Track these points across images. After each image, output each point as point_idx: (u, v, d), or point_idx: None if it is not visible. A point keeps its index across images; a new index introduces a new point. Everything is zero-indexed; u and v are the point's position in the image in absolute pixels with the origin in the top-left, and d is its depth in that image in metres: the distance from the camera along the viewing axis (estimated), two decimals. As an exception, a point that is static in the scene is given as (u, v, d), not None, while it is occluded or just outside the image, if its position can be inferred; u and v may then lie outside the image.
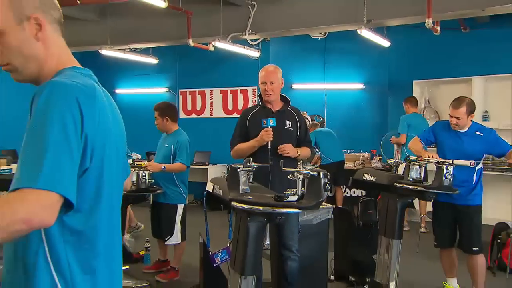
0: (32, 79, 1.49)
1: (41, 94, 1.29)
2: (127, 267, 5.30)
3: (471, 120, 4.35)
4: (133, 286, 4.91)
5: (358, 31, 6.71)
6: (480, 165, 4.27)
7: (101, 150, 1.39)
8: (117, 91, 10.87)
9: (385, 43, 7.89)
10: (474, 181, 4.23)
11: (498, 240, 5.42)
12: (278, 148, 3.83)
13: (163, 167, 4.88)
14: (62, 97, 1.30)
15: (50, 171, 1.21)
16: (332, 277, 4.90)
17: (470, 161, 3.94)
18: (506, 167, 7.58)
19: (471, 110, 4.25)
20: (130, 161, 5.36)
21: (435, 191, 4.22)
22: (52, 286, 1.32)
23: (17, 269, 1.35)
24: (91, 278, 1.40)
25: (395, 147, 7.69)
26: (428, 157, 4.19)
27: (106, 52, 8.65)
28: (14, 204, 1.18)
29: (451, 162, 4.01)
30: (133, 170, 4.85)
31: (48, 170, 1.21)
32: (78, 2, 6.95)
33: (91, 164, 1.35)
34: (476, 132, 4.28)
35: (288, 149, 3.84)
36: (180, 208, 5.10)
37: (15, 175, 1.23)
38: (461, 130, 4.31)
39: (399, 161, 4.58)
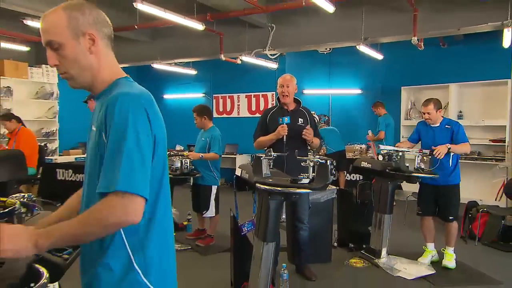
0: (86, 86, 1.43)
1: (115, 105, 1.26)
2: (173, 234, 5.49)
3: (442, 116, 4.45)
4: (178, 249, 4.91)
5: (357, 46, 6.77)
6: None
7: (163, 144, 1.37)
8: (165, 96, 10.96)
9: (379, 56, 7.87)
10: (450, 165, 4.26)
11: (469, 215, 5.45)
12: (303, 132, 3.84)
13: (201, 156, 4.90)
14: (132, 106, 1.26)
15: (137, 177, 1.20)
16: (335, 244, 4.93)
17: (429, 150, 4.17)
18: (476, 156, 7.61)
19: (438, 107, 4.35)
20: (174, 151, 5.48)
21: (419, 175, 4.30)
22: (128, 259, 1.29)
23: (93, 246, 1.31)
24: (156, 248, 1.35)
25: (371, 143, 7.76)
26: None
27: (156, 66, 8.78)
28: (107, 210, 1.19)
29: (418, 151, 4.27)
30: (177, 158, 4.95)
31: (136, 176, 1.20)
32: (136, 27, 7.07)
33: (157, 157, 1.33)
34: (446, 126, 4.35)
35: (310, 133, 3.87)
36: (214, 188, 5.08)
37: (102, 179, 1.22)
38: (434, 125, 4.38)
39: (391, 151, 4.60)
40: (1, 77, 8.28)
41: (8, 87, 8.26)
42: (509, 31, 5.61)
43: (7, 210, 1.31)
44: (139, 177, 1.20)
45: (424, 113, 4.40)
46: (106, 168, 1.21)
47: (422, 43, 6.46)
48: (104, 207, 1.19)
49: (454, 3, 5.98)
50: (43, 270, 1.36)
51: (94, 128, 1.36)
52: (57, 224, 1.25)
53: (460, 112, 8.02)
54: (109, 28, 1.42)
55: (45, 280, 1.33)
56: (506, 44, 5.88)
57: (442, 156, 4.08)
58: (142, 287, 1.30)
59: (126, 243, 1.29)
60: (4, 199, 1.41)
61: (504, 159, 7.04)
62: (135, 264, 1.29)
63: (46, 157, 6.85)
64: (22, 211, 1.38)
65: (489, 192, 7.23)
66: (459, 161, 4.42)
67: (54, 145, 8.72)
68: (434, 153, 4.10)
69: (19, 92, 8.45)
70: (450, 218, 4.33)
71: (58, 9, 1.34)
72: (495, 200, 6.89)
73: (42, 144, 7.33)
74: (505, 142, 7.12)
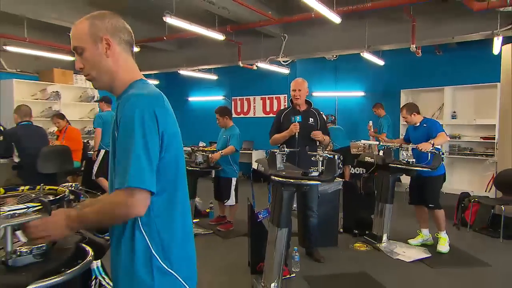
0: (107, 87, 1.40)
1: (125, 105, 1.25)
2: (197, 220, 5.41)
3: (424, 117, 4.54)
4: (202, 233, 5.03)
5: (361, 53, 6.73)
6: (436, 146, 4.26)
7: (174, 141, 1.32)
8: (190, 98, 11.01)
9: (380, 62, 7.79)
10: (429, 158, 4.25)
11: (462, 205, 5.38)
12: (312, 133, 3.85)
13: (221, 153, 4.91)
14: (140, 106, 1.23)
15: (142, 174, 1.18)
16: (341, 230, 4.91)
17: (414, 145, 4.29)
18: (468, 152, 7.54)
19: (411, 111, 4.44)
20: (197, 147, 5.50)
21: (417, 169, 4.29)
22: (146, 247, 1.27)
23: (117, 234, 1.32)
24: (173, 237, 1.33)
25: (370, 137, 7.77)
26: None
27: (182, 72, 8.85)
28: (116, 203, 1.21)
29: (406, 148, 4.36)
30: (200, 153, 4.97)
31: (141, 173, 1.18)
32: (165, 38, 7.13)
33: (167, 153, 1.28)
34: (424, 125, 4.42)
35: (318, 135, 3.88)
36: (233, 180, 5.11)
37: (116, 175, 1.22)
38: (415, 125, 4.48)
39: (391, 147, 4.61)
40: (51, 83, 8.46)
41: (57, 91, 8.44)
42: (499, 40, 5.60)
43: (58, 197, 1.33)
44: (145, 173, 1.19)
45: (402, 118, 4.54)
46: (118, 166, 1.22)
47: (420, 50, 6.39)
48: (113, 201, 1.22)
49: (448, 14, 5.92)
50: (88, 249, 1.40)
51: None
52: (84, 211, 1.27)
53: (454, 112, 7.92)
54: (128, 35, 1.39)
55: (90, 258, 1.36)
56: (495, 51, 5.83)
57: (427, 150, 4.12)
58: (161, 270, 1.28)
59: (143, 232, 1.27)
60: (56, 187, 1.44)
61: (494, 155, 7.03)
62: (152, 250, 1.27)
63: (88, 152, 6.96)
64: (71, 198, 1.41)
65: (479, 184, 7.18)
66: (444, 155, 4.49)
67: (93, 142, 8.86)
68: (419, 148, 4.14)
69: (66, 96, 8.63)
70: (430, 205, 4.35)
71: (83, 18, 1.36)
72: (485, 191, 6.85)
73: (85, 141, 7.45)
74: (494, 139, 7.09)
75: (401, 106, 4.53)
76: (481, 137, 7.52)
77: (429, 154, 4.21)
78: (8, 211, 1.13)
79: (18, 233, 1.21)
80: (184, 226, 1.37)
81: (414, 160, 4.32)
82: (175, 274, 1.31)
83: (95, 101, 7.60)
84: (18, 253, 1.19)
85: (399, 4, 5.56)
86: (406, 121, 4.49)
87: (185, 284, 1.34)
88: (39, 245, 1.23)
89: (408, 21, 6.10)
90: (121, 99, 1.33)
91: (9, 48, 7.25)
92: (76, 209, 1.33)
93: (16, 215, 1.15)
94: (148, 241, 1.27)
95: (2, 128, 6.21)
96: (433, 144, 4.09)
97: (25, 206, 1.18)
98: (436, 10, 6.00)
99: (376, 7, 5.56)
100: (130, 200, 1.17)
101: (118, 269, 1.32)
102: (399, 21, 6.28)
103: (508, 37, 5.60)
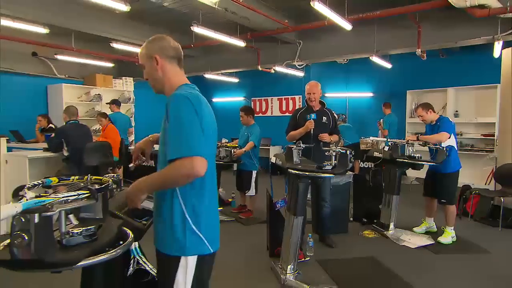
0: (161, 92, 1.61)
1: (172, 103, 1.42)
2: (221, 208, 5.40)
3: (440, 115, 4.30)
4: (225, 220, 5.03)
5: (370, 57, 6.62)
6: (449, 144, 4.07)
7: (211, 130, 1.48)
8: (214, 99, 11.02)
9: (388, 65, 7.67)
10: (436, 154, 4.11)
11: (464, 196, 5.27)
12: (319, 136, 3.81)
13: (244, 151, 4.92)
14: (183, 102, 1.41)
15: (193, 145, 1.35)
16: (351, 219, 4.86)
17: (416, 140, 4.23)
18: (470, 148, 7.35)
19: (427, 109, 4.22)
20: (220, 143, 5.53)
21: (422, 163, 4.20)
22: (181, 212, 1.44)
23: (160, 201, 1.48)
24: (202, 207, 1.47)
25: (380, 131, 7.88)
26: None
27: (207, 75, 8.92)
28: (178, 168, 1.34)
29: (411, 143, 4.28)
30: (223, 149, 4.97)
31: (192, 144, 1.35)
32: (192, 45, 7.19)
33: (205, 140, 1.42)
34: (437, 123, 4.20)
35: (325, 137, 3.83)
36: (254, 173, 5.11)
37: (168, 151, 1.35)
38: (431, 123, 4.26)
39: (397, 143, 4.52)
40: (94, 86, 8.66)
41: (99, 94, 8.63)
42: (499, 44, 5.44)
43: (103, 186, 1.37)
44: (195, 144, 1.35)
45: (418, 116, 4.33)
46: (172, 142, 1.36)
47: (425, 54, 6.26)
48: (179, 165, 1.34)
49: (452, 21, 5.77)
50: (129, 231, 1.44)
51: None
52: (151, 174, 1.44)
53: (456, 111, 7.71)
54: (172, 51, 1.59)
55: (131, 240, 1.40)
56: (496, 54, 5.68)
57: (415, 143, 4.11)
58: (192, 231, 1.44)
59: (180, 200, 1.44)
60: (100, 177, 1.49)
61: (493, 151, 6.85)
62: (186, 214, 1.44)
63: (129, 148, 7.10)
64: (113, 186, 1.46)
65: (480, 178, 6.98)
66: (456, 152, 4.20)
67: (131, 138, 9.02)
68: (408, 142, 4.14)
69: (106, 97, 8.77)
70: (442, 201, 4.17)
71: (145, 42, 1.61)
72: (485, 184, 6.67)
73: (122, 137, 7.59)
74: (494, 136, 6.91)
75: (415, 106, 4.34)
76: (481, 134, 7.32)
77: (434, 149, 4.11)
78: (62, 197, 1.17)
79: (71, 216, 1.26)
80: (211, 200, 1.52)
81: (420, 155, 4.22)
82: (202, 236, 1.46)
83: (107, 103, 7.86)
84: (71, 234, 1.23)
85: (406, 12, 5.45)
86: (422, 120, 4.25)
87: (209, 246, 1.49)
88: (88, 227, 1.26)
89: (414, 27, 5.99)
90: (168, 98, 1.50)
91: (59, 57, 7.47)
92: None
93: (69, 201, 1.19)
94: (183, 207, 1.44)
95: (53, 126, 6.42)
96: (417, 137, 4.05)
97: (76, 194, 1.22)
98: (441, 17, 5.87)
99: (384, 15, 5.47)
100: (193, 164, 1.33)
101: (158, 230, 1.49)
102: (405, 27, 6.17)
103: (508, 41, 5.45)
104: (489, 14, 4.79)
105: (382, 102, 8.07)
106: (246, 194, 5.24)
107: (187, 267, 1.43)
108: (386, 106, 7.85)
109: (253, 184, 5.10)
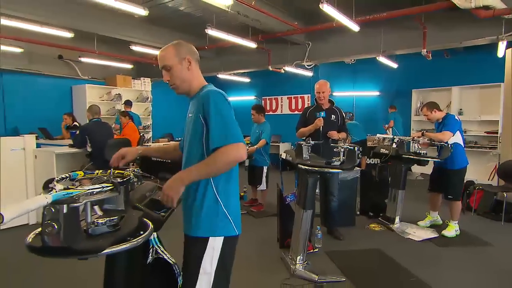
0: (185, 92, 1.62)
1: (209, 99, 1.46)
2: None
3: (447, 113, 4.19)
4: None
5: (377, 57, 6.54)
6: (455, 141, 3.99)
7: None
8: (226, 98, 11.13)
9: (394, 65, 7.57)
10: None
11: (467, 192, 5.17)
12: (328, 133, 3.78)
13: (256, 148, 4.93)
14: (219, 96, 1.48)
15: (236, 133, 1.43)
16: (358, 212, 4.83)
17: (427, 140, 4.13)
18: (473, 145, 7.22)
19: (431, 108, 4.11)
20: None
21: (427, 159, 4.14)
22: (214, 194, 1.51)
23: (199, 189, 1.53)
24: (230, 194, 1.56)
25: (387, 130, 7.96)
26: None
27: (220, 75, 8.92)
28: (227, 153, 1.41)
29: (417, 140, 4.17)
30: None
31: (235, 132, 1.43)
32: (206, 47, 7.21)
33: None
34: (443, 121, 4.10)
35: (334, 134, 3.81)
36: (265, 168, 5.12)
37: (213, 140, 1.42)
38: (439, 121, 4.15)
39: (404, 139, 4.47)
40: (115, 87, 8.76)
41: (119, 94, 8.75)
42: (503, 44, 5.34)
43: (125, 179, 1.39)
44: (237, 133, 1.44)
45: (424, 116, 4.26)
46: (216, 132, 1.42)
47: (430, 54, 6.16)
48: (225, 151, 1.41)
49: (457, 22, 5.65)
50: (149, 222, 1.46)
51: (190, 115, 1.58)
52: (190, 168, 1.46)
53: (461, 109, 7.57)
54: (197, 55, 1.64)
55: (151, 230, 1.41)
56: (500, 54, 5.56)
57: (418, 139, 4.06)
58: (223, 215, 1.51)
59: (213, 187, 1.50)
60: (122, 171, 1.50)
61: (497, 147, 6.73)
62: (218, 198, 1.50)
63: (144, 144, 7.16)
64: (134, 180, 1.47)
65: (483, 173, 6.89)
66: (463, 149, 4.11)
67: (149, 135, 9.12)
68: (413, 138, 4.06)
69: (126, 97, 8.89)
70: (448, 197, 4.07)
71: (169, 45, 1.60)
72: (488, 180, 6.59)
73: (141, 134, 7.68)
74: (497, 134, 6.76)
75: (420, 105, 4.24)
76: (485, 132, 7.17)
77: (439, 146, 4.04)
78: (88, 189, 1.19)
79: (96, 207, 1.28)
80: (235, 190, 1.60)
81: (426, 151, 4.15)
82: (230, 219, 1.53)
83: (122, 104, 8.02)
84: (96, 223, 1.24)
85: (412, 13, 5.36)
86: (428, 119, 4.18)
87: (235, 228, 1.56)
88: (111, 218, 1.28)
89: (419, 28, 5.90)
90: (196, 97, 1.57)
91: (83, 59, 7.58)
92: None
93: (94, 193, 1.21)
94: (215, 191, 1.50)
95: (78, 124, 6.53)
96: (422, 134, 4.00)
97: (101, 186, 1.24)
98: (445, 18, 5.75)
99: (390, 16, 5.39)
100: (237, 150, 1.41)
101: (191, 214, 1.54)
102: (411, 28, 6.08)
103: (511, 41, 5.33)
104: (493, 15, 4.69)
105: (388, 100, 8.03)
106: (258, 189, 5.24)
107: (214, 248, 1.48)
108: (391, 108, 7.99)
109: (264, 179, 5.11)
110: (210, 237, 1.48)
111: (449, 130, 3.95)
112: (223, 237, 1.50)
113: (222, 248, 1.50)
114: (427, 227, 4.36)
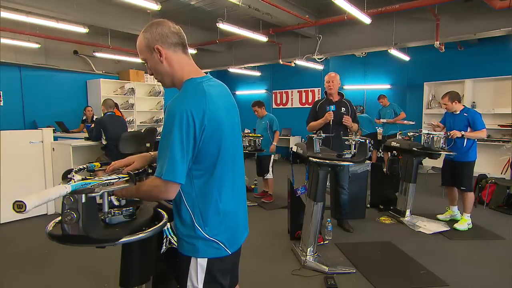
0: (171, 86, 1.36)
1: (167, 109, 1.23)
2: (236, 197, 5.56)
3: (463, 105, 4.10)
4: (249, 205, 4.94)
5: (388, 50, 6.43)
6: None
7: (217, 132, 1.25)
8: (237, 92, 11.05)
9: (406, 58, 7.41)
10: (464, 145, 3.95)
11: (480, 185, 5.09)
12: (343, 118, 3.72)
13: (275, 145, 5.01)
14: (179, 111, 1.17)
15: (174, 167, 1.16)
16: (368, 205, 4.81)
17: (444, 132, 3.99)
18: (486, 138, 7.05)
19: (453, 99, 4.02)
20: (243, 133, 5.56)
21: (439, 152, 4.06)
22: (190, 218, 1.29)
23: (178, 206, 1.32)
24: (209, 211, 1.29)
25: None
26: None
27: (231, 69, 8.90)
28: (153, 188, 1.21)
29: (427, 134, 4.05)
30: (246, 139, 5.01)
31: (174, 167, 1.17)
32: (217, 41, 7.20)
33: (209, 144, 1.23)
34: (464, 114, 4.01)
35: (348, 120, 3.76)
36: (272, 157, 5.23)
37: (158, 166, 1.20)
38: (455, 113, 4.06)
39: (415, 133, 4.39)
40: (128, 81, 8.84)
41: (132, 88, 8.82)
42: (520, 35, 5.12)
43: (141, 170, 1.40)
44: (178, 168, 1.17)
45: (442, 104, 4.13)
46: (159, 157, 1.21)
47: (443, 46, 6.01)
48: (151, 185, 1.23)
49: (470, 13, 5.50)
50: (163, 213, 1.47)
51: None
52: (131, 187, 1.30)
53: (474, 102, 7.40)
54: (175, 37, 1.30)
55: (165, 220, 1.43)
56: (516, 45, 5.35)
57: (454, 137, 3.87)
58: (201, 237, 1.29)
59: (188, 207, 1.29)
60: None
61: (510, 141, 6.58)
62: (195, 221, 1.29)
63: (156, 137, 7.23)
64: (149, 171, 1.48)
65: (496, 167, 6.75)
66: (476, 142, 4.05)
67: (161, 128, 9.20)
68: (449, 135, 3.90)
69: (139, 91, 8.99)
70: (462, 188, 4.04)
71: (140, 33, 1.31)
72: (501, 173, 6.45)
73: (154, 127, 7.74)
74: (511, 127, 6.60)
75: (444, 93, 4.09)
76: (498, 125, 7.00)
77: (464, 143, 3.96)
78: (105, 180, 1.21)
79: (112, 197, 1.30)
80: (220, 202, 1.31)
81: (443, 144, 4.07)
82: (217, 240, 1.31)
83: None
84: (113, 213, 1.27)
85: (424, 4, 5.24)
86: (446, 108, 4.09)
87: (226, 249, 1.33)
88: (127, 208, 1.30)
89: (432, 20, 5.76)
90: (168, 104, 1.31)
91: (97, 54, 7.66)
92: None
93: (111, 183, 1.23)
94: (191, 213, 1.29)
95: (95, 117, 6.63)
96: (462, 135, 3.86)
97: (117, 177, 1.26)
98: (459, 9, 5.60)
99: (403, 8, 5.28)
100: (164, 188, 1.19)
101: (175, 227, 1.38)
102: (424, 20, 5.95)
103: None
104: (510, 5, 4.54)
105: (399, 95, 7.80)
106: (265, 177, 5.29)
107: (198, 267, 1.31)
108: (382, 97, 7.51)
109: (270, 168, 5.20)
110: (192, 257, 1.31)
111: (483, 126, 3.95)
112: (206, 259, 1.31)
113: (208, 268, 1.32)
114: (446, 221, 4.28)
